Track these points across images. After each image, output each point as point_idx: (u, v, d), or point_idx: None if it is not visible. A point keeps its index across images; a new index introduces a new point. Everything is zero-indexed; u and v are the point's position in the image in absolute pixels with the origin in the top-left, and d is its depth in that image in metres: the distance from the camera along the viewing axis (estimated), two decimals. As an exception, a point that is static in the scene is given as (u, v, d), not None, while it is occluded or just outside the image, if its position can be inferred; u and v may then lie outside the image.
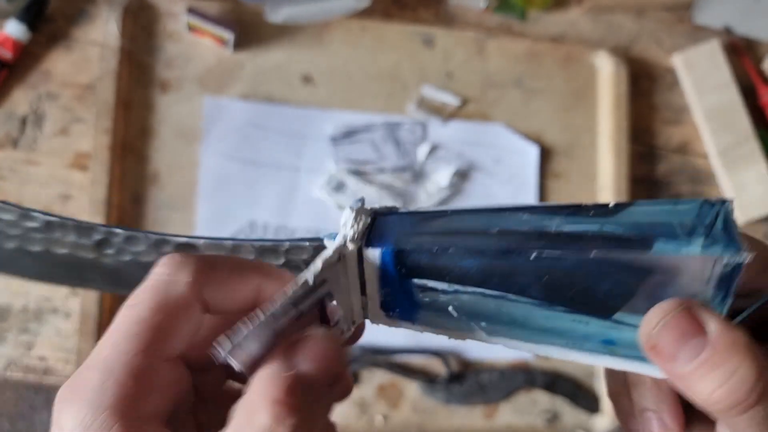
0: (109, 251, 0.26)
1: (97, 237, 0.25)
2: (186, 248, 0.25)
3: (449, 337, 0.24)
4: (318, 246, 0.25)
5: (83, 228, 0.25)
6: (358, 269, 0.24)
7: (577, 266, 0.21)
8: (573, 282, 0.21)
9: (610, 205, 0.21)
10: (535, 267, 0.21)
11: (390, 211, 0.25)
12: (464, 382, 0.65)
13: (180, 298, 0.21)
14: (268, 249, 0.25)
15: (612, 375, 0.26)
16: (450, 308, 0.23)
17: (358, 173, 0.66)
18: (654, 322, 0.20)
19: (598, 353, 0.22)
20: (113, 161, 0.60)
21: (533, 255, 0.21)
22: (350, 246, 0.23)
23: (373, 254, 0.23)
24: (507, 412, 0.67)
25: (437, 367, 0.66)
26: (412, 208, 0.25)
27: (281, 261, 0.25)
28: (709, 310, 0.20)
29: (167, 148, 0.63)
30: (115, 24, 0.61)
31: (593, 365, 0.23)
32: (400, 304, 0.24)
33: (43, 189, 0.61)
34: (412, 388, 0.65)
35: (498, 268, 0.22)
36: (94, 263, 0.26)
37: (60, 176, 0.61)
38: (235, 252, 0.25)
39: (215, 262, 0.22)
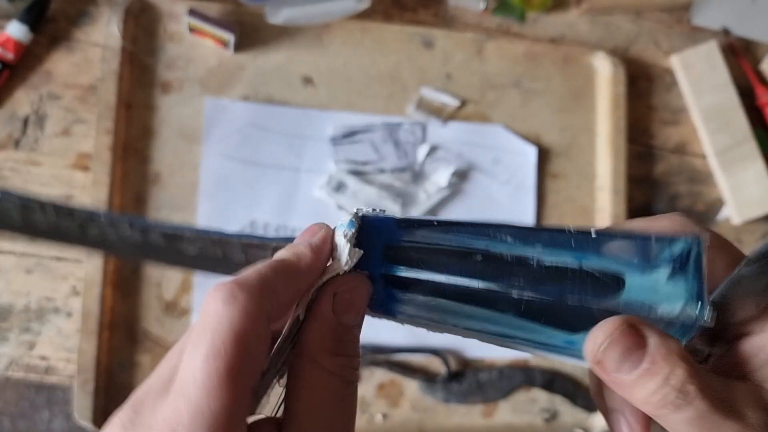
0: (94, 232, 0.27)
1: (79, 219, 0.26)
2: (172, 239, 0.26)
3: (427, 330, 0.26)
4: None
5: (62, 210, 0.26)
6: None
7: (552, 304, 0.23)
8: (545, 311, 0.23)
9: (593, 234, 0.23)
10: (514, 300, 0.23)
11: (376, 216, 0.25)
12: (463, 380, 0.66)
13: (251, 332, 0.20)
14: (255, 246, 0.26)
15: (592, 377, 0.27)
16: (432, 316, 0.25)
17: (358, 173, 0.66)
18: (600, 341, 0.22)
19: (558, 353, 0.25)
20: (115, 162, 0.61)
21: (514, 294, 0.23)
22: (344, 267, 0.25)
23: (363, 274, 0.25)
24: (506, 411, 0.67)
25: (437, 365, 0.66)
26: (398, 215, 0.26)
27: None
28: (648, 323, 0.22)
29: (168, 149, 0.63)
30: (117, 25, 0.62)
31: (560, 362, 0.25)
32: (382, 304, 0.25)
33: (44, 189, 0.61)
34: (411, 387, 0.65)
35: (478, 294, 0.24)
36: (79, 238, 0.27)
37: (62, 177, 0.62)
38: (221, 246, 0.26)
39: (268, 282, 0.22)
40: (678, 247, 0.22)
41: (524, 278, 0.23)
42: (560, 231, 0.23)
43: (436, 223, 0.25)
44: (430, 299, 0.25)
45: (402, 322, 0.26)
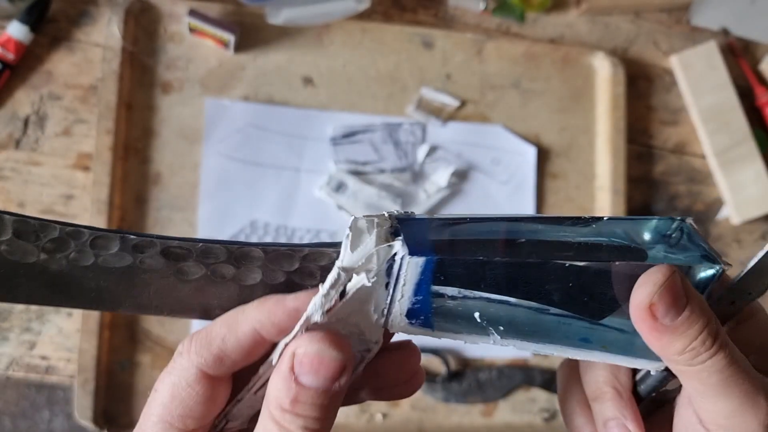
0: (64, 254, 0.23)
1: (52, 235, 0.23)
2: (174, 256, 0.23)
3: (465, 342, 0.26)
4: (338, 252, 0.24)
5: (26, 225, 0.22)
6: (393, 278, 0.24)
7: (598, 274, 0.24)
8: (584, 288, 0.24)
9: (605, 218, 0.25)
10: (560, 275, 0.24)
11: (408, 217, 0.25)
12: (463, 380, 0.66)
13: (187, 382, 0.24)
14: (283, 254, 0.24)
15: (567, 399, 0.29)
16: (476, 314, 0.25)
17: (358, 174, 0.66)
18: (655, 285, 0.23)
19: (579, 348, 0.26)
20: (115, 162, 0.61)
21: (566, 264, 0.24)
22: (369, 274, 0.23)
23: (417, 262, 0.23)
24: (505, 411, 0.67)
25: (436, 365, 0.66)
26: (427, 215, 0.26)
27: (294, 266, 0.24)
28: (684, 275, 0.24)
29: (169, 149, 0.63)
30: (117, 25, 0.62)
31: (581, 359, 0.27)
32: (424, 312, 0.25)
33: (45, 189, 0.62)
34: (411, 387, 0.65)
35: (523, 275, 0.24)
36: (33, 267, 0.23)
37: (62, 177, 0.62)
38: (204, 255, 0.24)
39: (210, 336, 0.24)
40: (671, 224, 0.25)
41: (568, 253, 0.24)
42: (579, 217, 0.25)
43: (468, 220, 0.25)
44: (459, 303, 0.24)
45: (439, 335, 0.25)
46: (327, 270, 0.24)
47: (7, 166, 0.61)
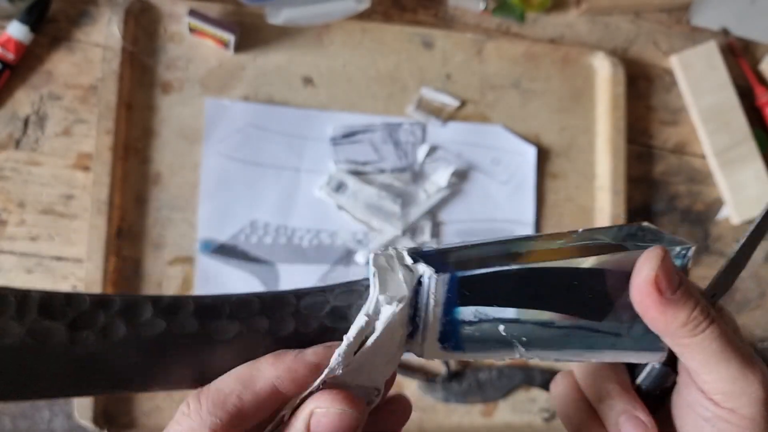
0: (92, 329, 0.21)
1: (82, 308, 0.21)
2: (209, 317, 0.22)
3: (495, 360, 0.27)
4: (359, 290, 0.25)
5: (52, 300, 0.20)
6: (422, 301, 0.24)
7: (593, 274, 0.27)
8: (584, 288, 0.27)
9: (580, 230, 0.29)
10: (566, 276, 0.26)
11: (419, 249, 0.26)
12: (463, 380, 0.66)
13: None
14: (315, 298, 0.24)
15: (571, 411, 0.31)
16: (500, 327, 0.26)
17: (358, 173, 0.66)
18: (658, 260, 0.25)
19: (592, 351, 0.28)
20: (115, 162, 0.61)
21: (584, 265, 0.26)
22: (393, 306, 0.23)
23: (443, 279, 0.24)
24: (505, 411, 0.67)
25: (436, 365, 0.66)
26: (442, 246, 0.27)
27: (325, 310, 0.24)
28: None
29: (169, 149, 0.63)
30: (117, 25, 0.62)
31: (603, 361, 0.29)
32: (454, 335, 0.25)
33: (45, 189, 0.62)
34: (411, 387, 0.66)
35: (535, 282, 0.26)
36: (56, 351, 0.20)
37: (62, 177, 0.62)
38: (237, 309, 0.23)
39: (223, 394, 0.23)
40: (634, 228, 0.29)
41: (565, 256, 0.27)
42: (560, 233, 0.29)
43: (470, 245, 0.27)
44: (491, 313, 0.26)
45: (470, 356, 0.26)
46: (356, 310, 0.23)
47: (7, 166, 0.61)
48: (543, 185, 0.71)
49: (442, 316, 0.25)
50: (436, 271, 0.24)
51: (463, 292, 0.25)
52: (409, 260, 0.25)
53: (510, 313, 0.26)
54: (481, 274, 0.25)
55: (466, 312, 0.25)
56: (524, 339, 0.26)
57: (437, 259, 0.25)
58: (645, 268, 0.25)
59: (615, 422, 0.29)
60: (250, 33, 0.66)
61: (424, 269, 0.24)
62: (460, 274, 0.24)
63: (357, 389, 0.24)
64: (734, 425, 0.26)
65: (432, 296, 0.24)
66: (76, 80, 0.63)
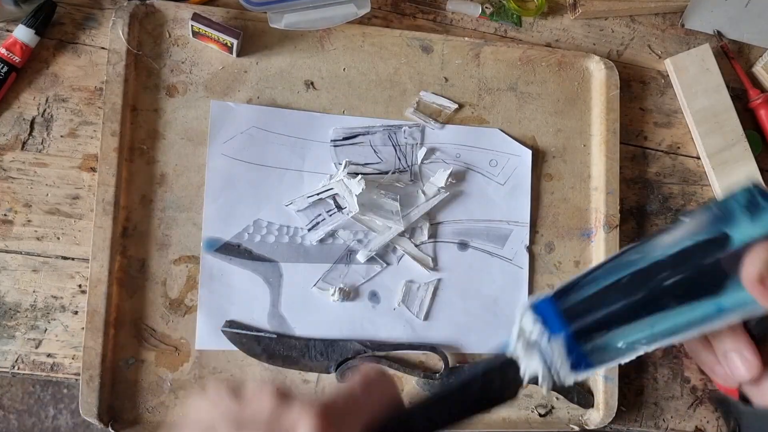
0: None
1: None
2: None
3: (621, 364, 0.36)
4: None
5: None
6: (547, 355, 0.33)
7: (693, 277, 0.31)
8: (691, 287, 0.31)
9: (683, 219, 0.33)
10: (668, 288, 0.31)
11: (537, 300, 0.34)
12: (461, 377, 0.67)
13: None
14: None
15: (692, 340, 0.36)
16: (619, 344, 0.33)
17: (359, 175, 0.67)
18: (762, 263, 0.29)
19: (703, 323, 0.32)
20: (121, 163, 0.62)
21: (670, 282, 0.31)
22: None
23: (558, 340, 0.33)
24: (502, 406, 0.68)
25: (435, 362, 0.67)
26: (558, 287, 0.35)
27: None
28: None
29: (174, 151, 0.64)
30: (122, 29, 0.63)
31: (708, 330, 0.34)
32: (583, 361, 0.32)
33: (51, 190, 0.63)
34: (410, 383, 0.67)
35: (639, 301, 0.31)
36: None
37: (68, 177, 0.63)
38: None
39: (331, 411, 0.31)
40: (742, 197, 0.31)
41: (666, 270, 0.31)
42: (660, 232, 0.33)
43: (580, 279, 0.34)
44: (606, 337, 0.32)
45: (602, 368, 0.34)
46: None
47: (13, 167, 0.62)
48: (539, 186, 0.72)
49: (566, 359, 0.32)
50: (552, 332, 0.32)
51: (578, 335, 0.32)
52: (534, 336, 0.33)
53: (627, 329, 0.32)
54: (592, 321, 0.32)
55: (584, 342, 0.32)
56: (643, 340, 0.32)
57: (552, 310, 0.33)
58: (751, 271, 0.29)
59: (723, 355, 0.34)
60: (252, 37, 0.67)
61: (537, 334, 0.33)
62: (572, 329, 0.32)
63: None
64: None
65: (556, 350, 0.32)
66: (82, 83, 0.64)
